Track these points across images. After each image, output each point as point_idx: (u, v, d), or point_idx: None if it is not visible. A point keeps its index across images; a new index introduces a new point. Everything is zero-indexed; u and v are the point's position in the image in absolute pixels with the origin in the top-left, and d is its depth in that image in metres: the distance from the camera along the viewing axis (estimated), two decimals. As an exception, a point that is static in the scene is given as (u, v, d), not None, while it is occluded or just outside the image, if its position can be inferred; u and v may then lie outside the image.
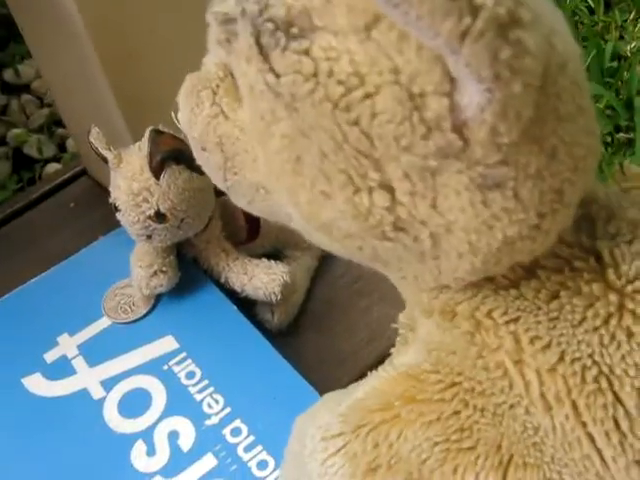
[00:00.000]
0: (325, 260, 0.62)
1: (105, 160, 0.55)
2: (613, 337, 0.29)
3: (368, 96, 0.24)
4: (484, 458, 0.31)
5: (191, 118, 0.32)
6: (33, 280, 0.63)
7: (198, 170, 0.53)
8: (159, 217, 0.53)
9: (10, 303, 0.61)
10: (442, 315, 0.32)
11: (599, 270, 0.30)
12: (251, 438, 0.49)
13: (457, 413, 0.31)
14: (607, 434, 0.29)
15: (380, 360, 0.57)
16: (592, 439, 0.30)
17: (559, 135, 0.26)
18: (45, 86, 1.11)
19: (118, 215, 0.55)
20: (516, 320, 0.30)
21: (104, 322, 0.58)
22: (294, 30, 0.25)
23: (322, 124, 0.25)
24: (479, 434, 0.31)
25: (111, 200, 0.55)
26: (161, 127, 0.53)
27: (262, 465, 0.48)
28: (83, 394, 0.54)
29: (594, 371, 0.29)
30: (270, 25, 0.25)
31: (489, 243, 0.27)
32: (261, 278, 0.56)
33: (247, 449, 0.49)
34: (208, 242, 0.58)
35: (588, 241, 0.30)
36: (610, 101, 0.98)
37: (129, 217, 0.54)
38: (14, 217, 0.76)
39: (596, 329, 0.29)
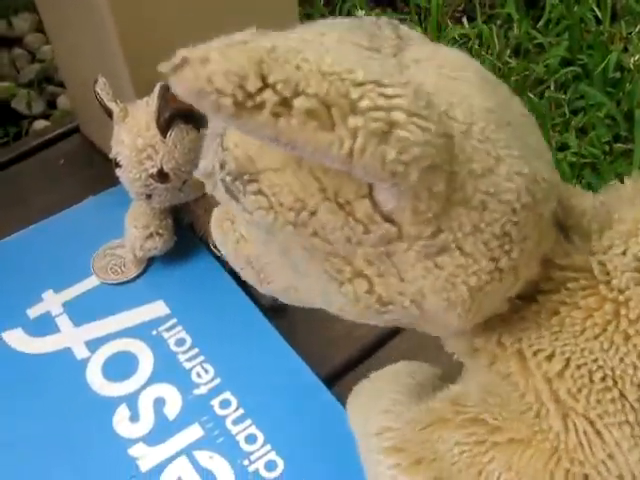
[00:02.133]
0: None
1: (109, 113, 0.53)
2: (612, 342, 0.31)
3: (312, 214, 0.29)
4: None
5: (222, 245, 0.37)
6: (19, 233, 0.61)
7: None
8: (161, 176, 0.51)
9: (-7, 254, 0.58)
10: (468, 354, 0.35)
11: (594, 284, 0.32)
12: (240, 411, 0.48)
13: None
14: (620, 426, 0.31)
15: (373, 340, 0.56)
16: (608, 434, 0.31)
17: (483, 190, 0.29)
18: (38, 41, 1.08)
19: (118, 171, 0.53)
20: (520, 340, 0.32)
21: (92, 281, 0.56)
22: (246, 177, 0.30)
23: (293, 241, 0.30)
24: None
25: (112, 155, 0.53)
26: (172, 84, 0.51)
27: (251, 439, 0.47)
28: (66, 353, 0.52)
29: (600, 373, 0.31)
30: (229, 177, 0.30)
31: (459, 296, 0.30)
32: (259, 250, 0.55)
33: (236, 422, 0.47)
34: (207, 209, 0.56)
35: (581, 259, 0.32)
36: (611, 111, 0.98)
37: (130, 174, 0.52)
38: (1, 169, 0.73)
39: (596, 337, 0.31)
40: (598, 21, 1.13)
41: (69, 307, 0.55)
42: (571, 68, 1.05)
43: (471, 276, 0.29)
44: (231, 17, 0.62)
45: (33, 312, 0.55)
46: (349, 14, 1.14)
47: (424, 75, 0.30)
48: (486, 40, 1.10)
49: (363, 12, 1.15)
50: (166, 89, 0.51)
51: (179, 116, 0.51)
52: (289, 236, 0.30)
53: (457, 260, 0.29)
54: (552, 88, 1.04)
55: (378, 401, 0.39)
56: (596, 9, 1.13)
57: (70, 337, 0.53)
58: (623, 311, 0.31)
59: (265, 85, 0.24)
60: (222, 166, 0.31)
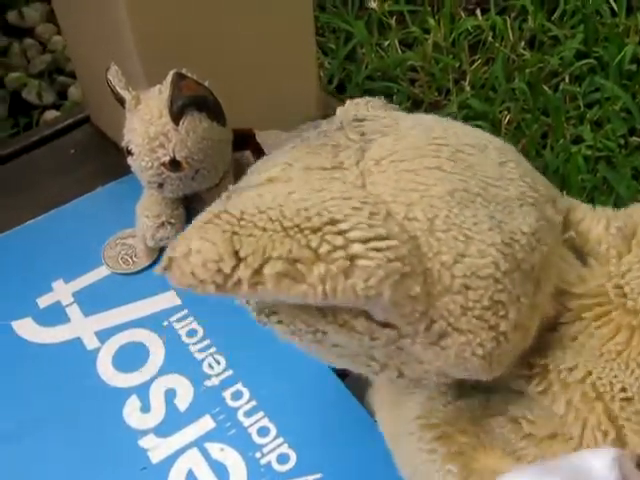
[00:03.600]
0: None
1: (121, 101, 0.52)
2: (627, 365, 0.33)
3: (324, 334, 0.32)
4: None
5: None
6: (30, 222, 0.60)
7: (219, 120, 0.52)
8: (174, 165, 0.51)
9: (4, 244, 0.58)
10: None
11: (608, 311, 0.34)
12: (253, 403, 0.47)
13: None
14: None
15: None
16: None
17: (460, 275, 0.30)
18: (49, 32, 1.08)
19: (130, 160, 0.52)
20: (545, 356, 0.34)
21: (103, 271, 0.56)
22: (266, 310, 0.33)
23: (321, 351, 0.34)
24: None
25: (124, 143, 0.52)
26: (184, 71, 0.51)
27: (263, 431, 0.46)
28: (76, 343, 0.52)
29: (619, 385, 0.33)
30: (254, 312, 0.35)
31: (474, 364, 0.32)
32: (271, 240, 0.54)
33: (248, 414, 0.47)
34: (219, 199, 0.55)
35: (597, 284, 0.34)
36: (627, 103, 0.97)
37: (142, 162, 0.51)
38: (11, 158, 0.73)
39: (614, 359, 0.33)
40: (614, 13, 1.11)
41: (79, 297, 0.54)
42: (586, 61, 1.04)
43: (477, 348, 0.31)
44: (245, 5, 0.61)
45: (43, 302, 0.54)
46: (361, 5, 1.13)
47: (384, 179, 0.32)
48: (500, 32, 1.09)
49: (376, 3, 1.14)
50: (179, 76, 0.50)
51: (192, 104, 0.50)
52: (316, 348, 0.34)
53: (458, 339, 0.31)
54: (567, 81, 1.02)
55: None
56: (612, 1, 1.12)
57: (80, 327, 0.53)
58: (635, 340, 0.33)
59: (238, 261, 0.28)
60: (247, 301, 0.34)
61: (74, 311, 0.53)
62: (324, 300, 0.28)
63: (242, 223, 0.29)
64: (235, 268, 0.28)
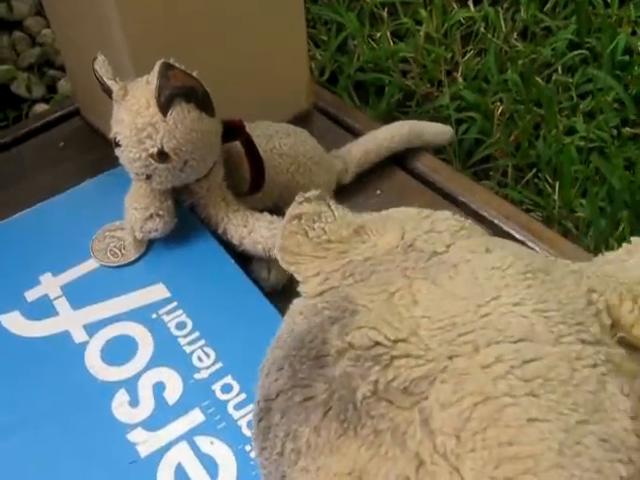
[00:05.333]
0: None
1: (108, 91, 0.51)
2: None
3: None
4: None
5: None
6: (17, 215, 0.59)
7: (208, 111, 0.52)
8: (162, 156, 0.50)
9: (-10, 236, 0.57)
10: None
11: None
12: (243, 396, 0.47)
13: None
14: None
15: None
16: None
17: None
18: (39, 25, 1.07)
19: (117, 151, 0.52)
20: None
21: (91, 264, 0.55)
22: None
23: None
24: None
25: (112, 135, 0.52)
26: (172, 62, 0.50)
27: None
28: (64, 337, 0.51)
29: None
30: None
31: None
32: (262, 232, 0.54)
33: (238, 407, 0.46)
34: (208, 189, 0.55)
35: None
36: (619, 94, 0.97)
37: (130, 154, 0.50)
38: (0, 151, 0.72)
39: None
40: (606, 4, 1.11)
41: (67, 290, 0.54)
42: (579, 51, 1.04)
43: None
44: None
45: (31, 295, 0.53)
46: (353, -2, 1.12)
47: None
48: (492, 23, 1.09)
49: (368, -5, 1.13)
50: (167, 66, 0.49)
51: (180, 94, 0.49)
52: None
53: None
54: (559, 72, 1.02)
55: None
56: (604, -8, 1.12)
57: (68, 320, 0.52)
58: None
59: None
60: None
61: (62, 304, 0.53)
62: None
63: None
64: None
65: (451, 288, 0.33)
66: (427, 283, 0.34)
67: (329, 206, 0.41)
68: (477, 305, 0.32)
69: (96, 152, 0.68)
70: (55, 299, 0.53)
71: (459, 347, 0.30)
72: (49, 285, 0.54)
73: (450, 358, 0.30)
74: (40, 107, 0.95)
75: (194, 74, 0.50)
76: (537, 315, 0.31)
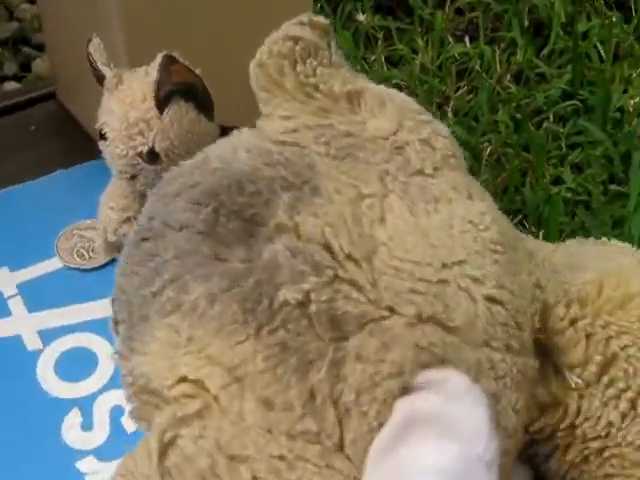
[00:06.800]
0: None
1: (100, 78, 0.47)
2: None
3: None
4: None
5: None
6: (-24, 200, 0.55)
7: (207, 113, 0.48)
8: (152, 156, 0.46)
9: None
10: None
11: None
12: (211, 432, 0.42)
13: None
14: None
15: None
16: None
17: None
18: (18, -2, 1.01)
19: (102, 144, 0.47)
20: None
21: (54, 263, 0.52)
22: None
23: None
24: None
25: (98, 125, 0.47)
26: (176, 55, 0.46)
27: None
28: (15, 342, 0.48)
29: None
30: None
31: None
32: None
33: (205, 444, 0.42)
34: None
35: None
36: (608, 150, 0.96)
37: (116, 149, 0.46)
38: (-37, 128, 0.67)
39: None
40: (601, 59, 1.11)
41: (24, 289, 0.50)
42: (571, 102, 1.03)
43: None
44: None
45: (-18, 290, 0.49)
46: (350, 17, 1.10)
47: None
48: (487, 62, 1.07)
49: (364, 16, 1.11)
50: (170, 60, 0.46)
51: (180, 92, 0.46)
52: None
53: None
54: (551, 119, 1.01)
55: None
56: (599, 46, 1.12)
57: (22, 324, 0.48)
58: None
59: None
60: None
61: (17, 305, 0.49)
62: None
63: None
64: None
65: (425, 225, 0.30)
66: (402, 204, 0.31)
67: (329, 46, 0.35)
68: (442, 263, 0.29)
69: (71, 140, 0.64)
70: (9, 298, 0.50)
71: (403, 305, 0.28)
72: (4, 281, 0.51)
73: (390, 310, 0.28)
74: (10, 85, 0.89)
75: (197, 72, 0.46)
76: (485, 306, 0.29)
